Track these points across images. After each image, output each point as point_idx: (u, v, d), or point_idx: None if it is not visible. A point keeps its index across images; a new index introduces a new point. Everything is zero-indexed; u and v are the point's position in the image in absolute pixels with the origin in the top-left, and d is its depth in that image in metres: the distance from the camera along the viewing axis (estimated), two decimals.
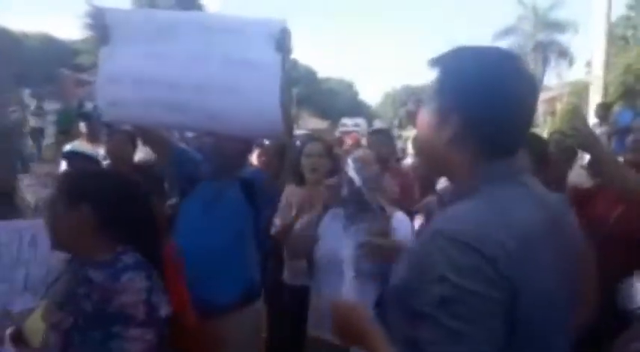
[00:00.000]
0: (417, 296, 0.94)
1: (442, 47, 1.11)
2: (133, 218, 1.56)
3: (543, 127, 14.83)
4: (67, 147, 3.50)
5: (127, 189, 1.61)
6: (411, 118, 7.92)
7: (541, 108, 18.95)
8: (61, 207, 1.51)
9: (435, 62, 1.09)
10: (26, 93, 14.75)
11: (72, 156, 3.34)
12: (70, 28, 40.87)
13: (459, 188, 1.08)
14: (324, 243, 2.26)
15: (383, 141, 3.88)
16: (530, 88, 1.06)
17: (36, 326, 1.54)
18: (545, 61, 30.25)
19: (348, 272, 1.96)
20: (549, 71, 30.37)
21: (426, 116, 1.09)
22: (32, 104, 13.54)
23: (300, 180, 2.95)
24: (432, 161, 1.13)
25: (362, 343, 1.05)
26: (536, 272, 0.95)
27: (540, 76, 28.59)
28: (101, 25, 1.97)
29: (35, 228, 1.99)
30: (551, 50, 30.28)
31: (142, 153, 3.69)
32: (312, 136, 3.15)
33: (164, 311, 1.47)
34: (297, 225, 2.53)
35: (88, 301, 1.40)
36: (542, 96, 20.27)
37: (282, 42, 1.87)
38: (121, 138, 3.44)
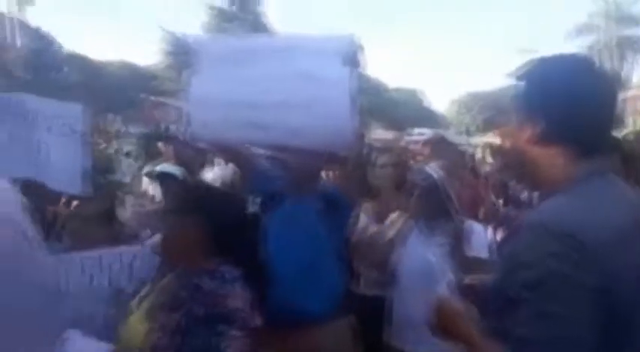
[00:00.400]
0: (513, 283, 1.00)
1: (511, 54, 1.22)
2: (237, 231, 1.71)
3: (631, 128, 14.00)
4: (156, 168, 3.74)
5: (233, 204, 1.78)
6: (489, 125, 7.76)
7: (625, 106, 17.90)
8: (173, 219, 1.69)
9: (521, 74, 1.21)
10: (110, 118, 15.85)
11: (161, 177, 3.53)
12: (148, 54, 43.10)
13: (547, 189, 1.15)
14: (406, 252, 2.28)
15: (450, 150, 3.87)
16: (608, 88, 1.16)
17: (135, 328, 1.68)
18: (626, 58, 28.64)
19: (436, 282, 1.97)
20: (632, 68, 28.74)
21: (514, 122, 1.20)
22: (116, 129, 14.55)
23: (373, 192, 3.00)
24: (519, 165, 1.22)
25: (465, 342, 1.12)
26: (625, 269, 0.99)
27: (622, 73, 27.08)
28: (183, 51, 2.16)
29: (135, 252, 2.15)
30: (633, 46, 28.64)
31: (213, 173, 3.87)
32: (382, 147, 3.20)
33: (257, 320, 1.60)
34: (375, 235, 2.58)
35: (197, 304, 1.55)
36: (626, 94, 19.18)
37: (350, 56, 1.97)
38: (192, 155, 3.67)
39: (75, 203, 2.83)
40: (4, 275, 1.36)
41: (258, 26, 32.38)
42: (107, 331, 1.81)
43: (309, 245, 2.18)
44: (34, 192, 2.42)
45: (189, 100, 2.05)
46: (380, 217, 2.86)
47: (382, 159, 2.97)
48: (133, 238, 2.56)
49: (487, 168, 5.52)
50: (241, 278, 1.65)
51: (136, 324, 1.70)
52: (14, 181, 1.64)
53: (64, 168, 2.68)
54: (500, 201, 4.22)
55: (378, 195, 2.99)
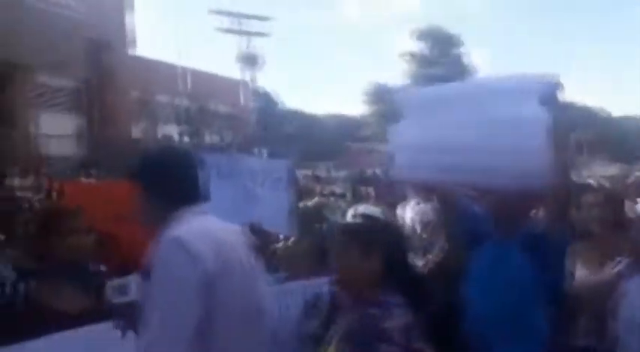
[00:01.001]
0: None
1: None
2: (408, 267, 1.89)
3: None
4: (359, 210, 4.05)
5: (404, 241, 1.94)
6: None
7: None
8: (355, 256, 1.86)
9: None
10: (320, 166, 17.31)
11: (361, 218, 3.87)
12: (355, 103, 46.35)
13: None
14: (626, 300, 2.10)
15: None
16: None
17: None
18: None
19: None
20: None
21: None
22: (324, 174, 15.82)
23: (584, 234, 2.78)
24: None
25: None
26: None
27: None
28: (386, 100, 2.41)
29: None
30: None
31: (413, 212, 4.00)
32: (591, 185, 2.92)
33: (416, 343, 1.71)
34: (589, 281, 2.40)
35: (368, 330, 1.74)
36: None
37: (548, 96, 1.93)
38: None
39: (291, 241, 3.24)
40: (239, 300, 1.69)
41: (460, 68, 32.31)
42: None
43: (512, 288, 2.13)
44: (258, 234, 2.85)
45: (393, 145, 2.25)
46: (592, 261, 2.63)
47: (588, 199, 2.74)
48: None
49: None
50: (404, 305, 1.80)
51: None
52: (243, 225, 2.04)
53: (276, 213, 3.19)
54: None
55: (589, 236, 2.76)
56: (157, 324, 1.63)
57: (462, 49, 35.55)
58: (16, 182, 11.43)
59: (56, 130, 16.07)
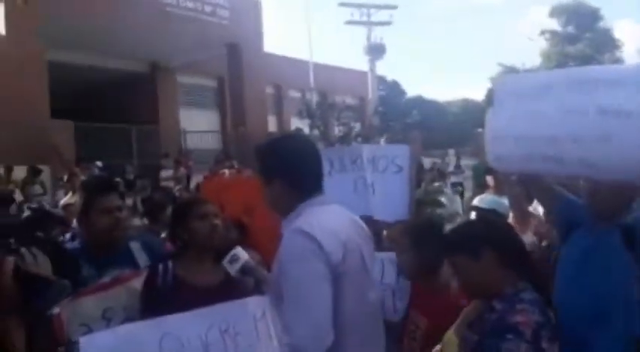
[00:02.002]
0: None
1: None
2: (528, 259, 1.87)
3: None
4: (474, 201, 4.09)
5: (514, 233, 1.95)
6: None
7: None
8: (466, 257, 1.86)
9: None
10: (451, 153, 16.89)
11: (477, 210, 3.89)
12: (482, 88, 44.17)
13: None
14: None
15: None
16: None
17: (451, 340, 1.99)
18: None
19: None
20: None
21: None
22: (452, 163, 15.40)
23: None
24: None
25: None
26: None
27: None
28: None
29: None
30: None
31: None
32: None
33: (547, 345, 1.65)
34: None
35: (490, 322, 1.76)
36: None
37: None
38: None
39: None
40: (355, 288, 1.78)
41: (605, 44, 29.30)
42: None
43: (598, 282, 2.04)
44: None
45: (486, 134, 2.21)
46: None
47: None
48: None
49: None
50: (536, 304, 1.75)
51: (451, 336, 2.01)
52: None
53: (389, 201, 3.20)
54: None
55: None
56: (294, 314, 1.66)
57: (603, 24, 32.10)
58: (163, 174, 12.80)
59: (197, 126, 17.55)
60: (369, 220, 3.07)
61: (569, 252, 2.21)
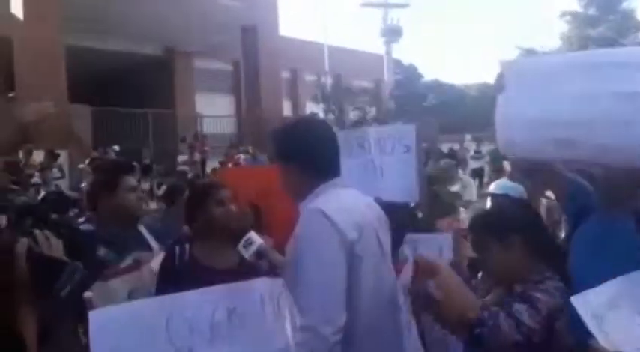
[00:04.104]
0: None
1: None
2: (554, 245, 1.85)
3: None
4: (490, 188, 4.05)
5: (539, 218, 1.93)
6: None
7: None
8: (493, 246, 1.83)
9: None
10: (467, 138, 16.74)
11: (494, 197, 3.88)
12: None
13: None
14: None
15: None
16: None
17: None
18: None
19: None
20: None
21: None
22: (471, 148, 15.28)
23: None
24: None
25: None
26: None
27: None
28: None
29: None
30: None
31: None
32: None
33: (559, 327, 1.65)
34: None
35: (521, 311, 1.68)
36: None
37: None
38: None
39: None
40: (371, 271, 1.77)
41: (628, 26, 28.57)
42: None
43: (611, 268, 2.01)
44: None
45: (496, 119, 2.17)
46: None
47: None
48: None
49: None
50: (562, 289, 1.75)
51: None
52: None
53: (398, 182, 3.16)
54: None
55: None
56: (306, 295, 1.65)
57: (627, 5, 31.23)
58: (180, 158, 12.93)
59: (213, 111, 17.63)
60: (379, 203, 3.09)
61: (581, 238, 2.18)
